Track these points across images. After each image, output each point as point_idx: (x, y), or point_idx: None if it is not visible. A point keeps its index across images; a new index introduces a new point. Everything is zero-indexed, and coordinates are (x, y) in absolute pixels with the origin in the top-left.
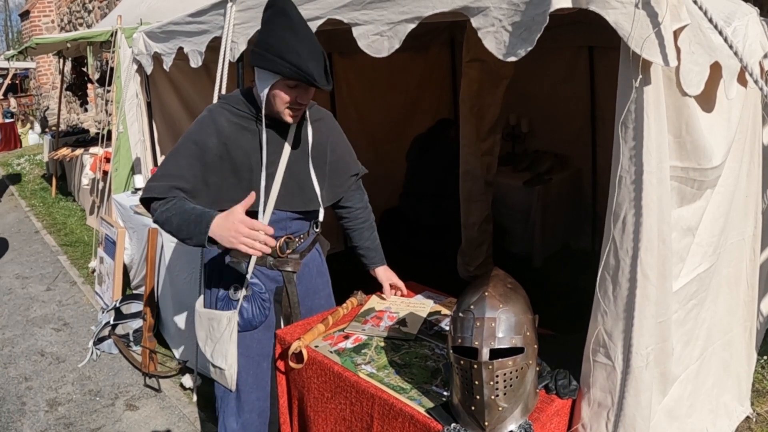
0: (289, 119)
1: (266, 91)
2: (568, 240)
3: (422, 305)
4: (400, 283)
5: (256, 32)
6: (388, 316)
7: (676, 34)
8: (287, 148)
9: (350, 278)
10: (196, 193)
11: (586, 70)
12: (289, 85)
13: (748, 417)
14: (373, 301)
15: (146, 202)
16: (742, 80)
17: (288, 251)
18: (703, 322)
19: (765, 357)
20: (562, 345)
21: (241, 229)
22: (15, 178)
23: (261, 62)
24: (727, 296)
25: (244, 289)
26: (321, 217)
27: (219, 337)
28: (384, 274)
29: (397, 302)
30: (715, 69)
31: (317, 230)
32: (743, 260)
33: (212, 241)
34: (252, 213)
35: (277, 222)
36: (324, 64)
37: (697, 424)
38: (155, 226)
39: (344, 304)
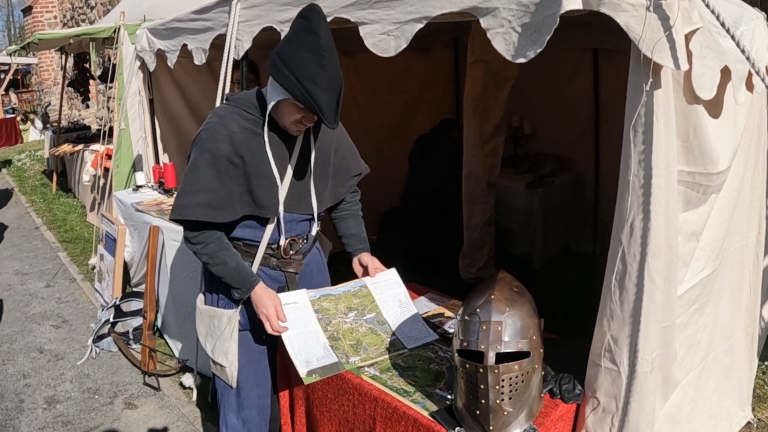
0: (294, 133)
1: (274, 102)
2: (569, 243)
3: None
4: (383, 268)
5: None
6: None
7: (688, 37)
8: (296, 154)
9: (350, 278)
10: (219, 202)
11: (590, 73)
12: (298, 106)
13: (749, 422)
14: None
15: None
16: (748, 85)
17: (292, 252)
18: (705, 327)
19: (766, 362)
20: (564, 348)
21: (271, 312)
22: (11, 193)
23: (277, 75)
24: (730, 301)
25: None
26: (320, 216)
27: (219, 334)
28: (368, 258)
29: (333, 297)
30: (723, 73)
31: (318, 229)
32: (746, 266)
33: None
34: (266, 219)
35: (284, 224)
36: (338, 97)
37: (698, 429)
38: (156, 223)
39: None
